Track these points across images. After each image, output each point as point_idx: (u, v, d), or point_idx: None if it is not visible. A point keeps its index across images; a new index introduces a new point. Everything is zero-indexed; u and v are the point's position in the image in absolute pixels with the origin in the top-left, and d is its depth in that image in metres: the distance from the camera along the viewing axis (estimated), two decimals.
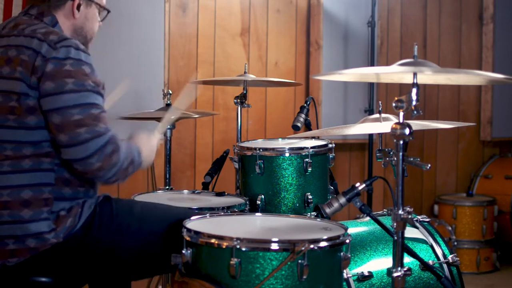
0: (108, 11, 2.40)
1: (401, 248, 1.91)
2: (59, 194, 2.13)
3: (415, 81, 1.89)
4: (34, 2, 2.26)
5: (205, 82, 3.91)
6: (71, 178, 2.15)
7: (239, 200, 2.71)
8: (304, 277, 1.86)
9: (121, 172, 2.14)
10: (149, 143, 2.33)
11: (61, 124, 2.06)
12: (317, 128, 3.43)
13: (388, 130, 1.92)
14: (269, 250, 1.86)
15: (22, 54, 2.10)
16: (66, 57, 2.09)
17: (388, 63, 4.86)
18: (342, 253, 1.97)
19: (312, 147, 2.75)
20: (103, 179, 2.13)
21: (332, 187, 2.86)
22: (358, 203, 2.23)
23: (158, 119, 2.69)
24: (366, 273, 2.35)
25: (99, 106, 2.11)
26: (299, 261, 1.86)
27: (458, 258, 2.50)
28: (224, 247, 1.89)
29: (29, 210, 2.08)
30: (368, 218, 2.55)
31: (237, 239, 1.87)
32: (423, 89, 5.05)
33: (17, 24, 2.20)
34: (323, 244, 1.90)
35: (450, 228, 4.70)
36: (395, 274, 1.90)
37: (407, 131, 1.87)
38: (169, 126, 3.18)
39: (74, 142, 2.06)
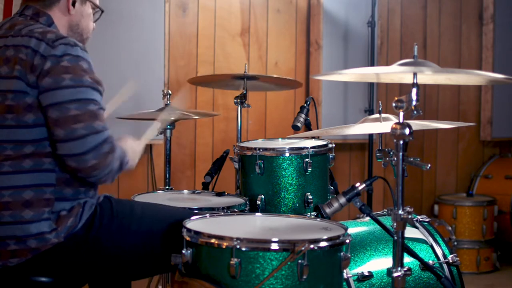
0: (102, 11, 2.40)
1: (401, 248, 1.91)
2: (60, 194, 2.12)
3: (415, 81, 1.90)
4: (29, 1, 2.25)
5: None
6: (72, 178, 2.14)
7: (239, 200, 2.71)
8: (304, 277, 1.86)
9: (113, 174, 2.13)
10: (134, 148, 2.31)
11: (58, 119, 2.05)
12: (317, 128, 3.43)
13: (388, 130, 1.92)
14: (269, 250, 1.86)
15: (20, 53, 2.10)
16: (64, 53, 2.09)
17: (388, 63, 4.86)
18: (342, 253, 1.97)
19: (312, 147, 2.75)
20: (95, 178, 2.10)
21: (332, 187, 2.86)
22: (358, 203, 2.23)
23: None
24: (366, 273, 2.35)
25: (97, 102, 2.10)
26: (299, 261, 1.86)
27: (458, 258, 2.50)
28: (224, 247, 1.89)
29: (30, 211, 2.08)
30: (368, 218, 2.55)
31: (237, 239, 1.87)
32: (423, 89, 5.04)
33: (13, 25, 2.20)
34: (323, 244, 1.90)
35: (450, 228, 4.70)
36: (395, 274, 1.90)
37: (407, 131, 1.87)
38: (169, 126, 3.18)
39: (70, 137, 2.04)
